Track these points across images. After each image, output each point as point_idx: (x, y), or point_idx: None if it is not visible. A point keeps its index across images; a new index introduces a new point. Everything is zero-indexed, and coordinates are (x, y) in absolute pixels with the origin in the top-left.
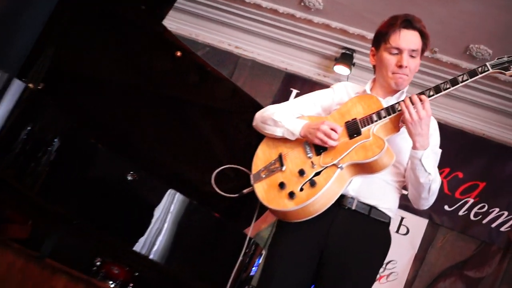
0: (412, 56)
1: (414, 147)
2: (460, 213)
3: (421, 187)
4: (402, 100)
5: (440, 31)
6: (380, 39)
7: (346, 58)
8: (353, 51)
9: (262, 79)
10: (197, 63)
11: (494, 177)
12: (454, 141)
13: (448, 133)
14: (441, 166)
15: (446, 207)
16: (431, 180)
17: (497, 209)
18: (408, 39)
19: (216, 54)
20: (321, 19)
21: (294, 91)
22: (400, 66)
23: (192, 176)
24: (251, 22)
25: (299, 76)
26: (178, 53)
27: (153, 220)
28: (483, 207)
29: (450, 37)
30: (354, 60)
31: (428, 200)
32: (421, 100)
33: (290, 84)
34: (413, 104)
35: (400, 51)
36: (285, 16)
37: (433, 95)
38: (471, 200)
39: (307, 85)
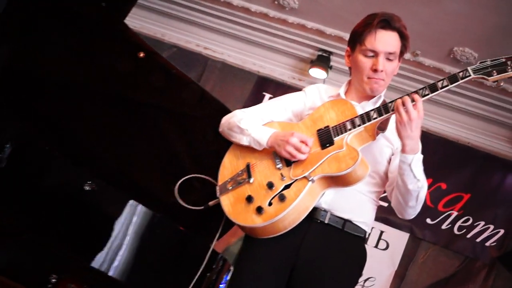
0: (389, 59)
1: (403, 151)
2: (443, 226)
3: (409, 195)
4: (377, 108)
5: (422, 33)
6: (356, 40)
7: (323, 60)
8: (330, 53)
9: (233, 82)
10: (161, 65)
11: (480, 188)
12: (437, 150)
13: (430, 141)
14: None
15: (428, 220)
16: (420, 187)
17: (482, 223)
18: (385, 40)
19: (183, 55)
20: (296, 19)
21: (267, 96)
22: (376, 70)
23: (155, 186)
24: (222, 22)
25: (272, 80)
26: (141, 54)
27: (113, 234)
28: (467, 220)
29: (433, 39)
30: (331, 63)
31: (415, 208)
32: (413, 100)
33: (263, 88)
34: (403, 104)
35: (376, 54)
36: (258, 15)
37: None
38: (455, 213)
39: (281, 89)
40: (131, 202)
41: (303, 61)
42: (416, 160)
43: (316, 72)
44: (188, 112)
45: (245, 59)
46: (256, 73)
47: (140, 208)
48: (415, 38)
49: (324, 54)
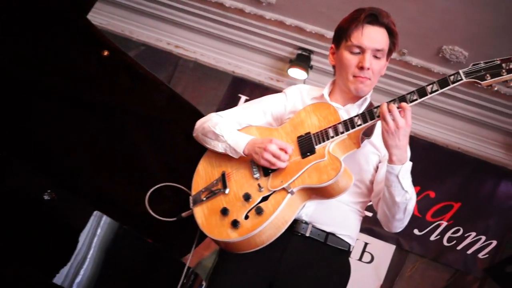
0: (376, 57)
1: (390, 161)
2: (432, 237)
3: (396, 207)
4: (363, 113)
5: (409, 30)
6: (341, 36)
7: (303, 60)
8: (311, 52)
9: (206, 83)
10: (128, 64)
11: (471, 197)
12: (425, 155)
13: (418, 146)
14: None
15: (416, 231)
16: (408, 199)
17: (473, 234)
18: (372, 36)
19: (152, 54)
20: (273, 15)
21: (243, 98)
22: (362, 68)
23: (122, 195)
24: (194, 18)
25: (249, 81)
26: (105, 52)
27: (76, 248)
28: (457, 231)
29: (420, 37)
30: (312, 63)
31: (403, 221)
32: (400, 107)
33: (238, 90)
34: (389, 111)
35: (362, 51)
36: (233, 11)
37: (398, 107)
38: (444, 223)
39: (258, 91)
40: (95, 212)
41: (281, 61)
42: (404, 170)
43: (296, 72)
44: (157, 115)
45: (219, 58)
46: (231, 73)
47: (106, 219)
48: (401, 36)
49: (304, 53)
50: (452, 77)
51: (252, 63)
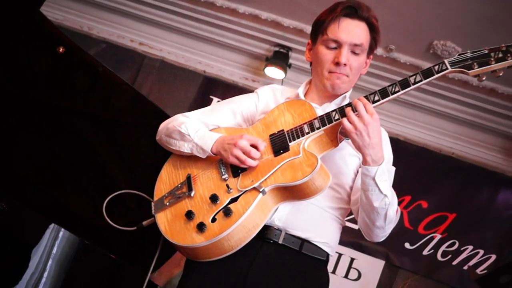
0: (354, 53)
1: (364, 162)
2: (425, 252)
3: (375, 213)
4: (341, 107)
5: (396, 24)
6: (317, 30)
7: (280, 58)
8: (289, 49)
9: (174, 84)
10: (85, 62)
11: (467, 206)
12: (416, 162)
13: (409, 152)
14: (400, 194)
15: (407, 245)
16: (388, 204)
17: (470, 247)
18: (350, 30)
19: (114, 52)
20: (248, 9)
21: (215, 100)
22: (338, 64)
23: (81, 206)
24: (161, 12)
25: (221, 81)
26: (61, 49)
27: (31, 265)
28: (453, 244)
29: (409, 32)
30: (290, 60)
31: (384, 229)
32: (362, 104)
33: (210, 91)
34: (354, 110)
35: (339, 45)
36: (203, 4)
37: (377, 100)
38: (438, 236)
39: (231, 92)
40: (51, 225)
41: (257, 59)
42: (381, 172)
43: (273, 72)
44: (119, 119)
45: (188, 56)
46: (201, 73)
47: (64, 233)
48: (388, 30)
49: (281, 50)
50: (436, 67)
51: (225, 62)
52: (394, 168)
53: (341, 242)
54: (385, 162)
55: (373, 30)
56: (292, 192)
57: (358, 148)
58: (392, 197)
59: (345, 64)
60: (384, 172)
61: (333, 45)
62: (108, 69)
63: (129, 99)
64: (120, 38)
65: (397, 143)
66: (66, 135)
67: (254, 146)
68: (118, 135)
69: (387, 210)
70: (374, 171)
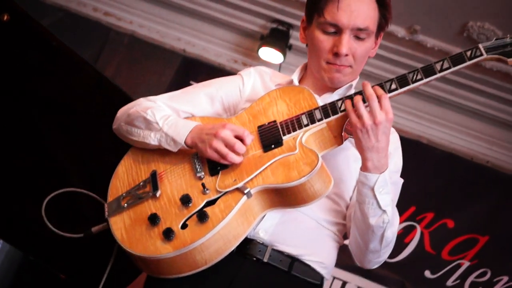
0: (358, 38)
1: (364, 168)
2: (449, 282)
3: (370, 232)
4: (348, 96)
5: (423, 1)
6: (313, 8)
7: (279, 37)
8: (290, 26)
9: (146, 65)
10: (36, 34)
11: (502, 228)
12: (441, 171)
13: (432, 158)
14: (420, 210)
15: (427, 273)
16: (386, 223)
17: (505, 278)
18: (352, 10)
19: (74, 23)
20: None
21: None
22: (337, 54)
23: (25, 212)
24: None
25: (205, 63)
26: (5, 17)
27: None
28: (484, 274)
29: (439, 10)
30: (291, 41)
31: (379, 254)
32: (377, 96)
33: (190, 75)
34: (364, 101)
35: (338, 30)
36: None
37: (395, 89)
38: (466, 263)
39: (217, 77)
40: None
41: (250, 37)
42: (382, 182)
43: (269, 54)
44: (76, 106)
45: (165, 31)
46: (181, 53)
47: (3, 245)
48: (411, 7)
49: (280, 28)
50: (469, 53)
51: (209, 40)
52: (401, 181)
53: (346, 267)
54: (390, 171)
55: (383, 5)
56: (284, 197)
57: (360, 148)
58: (393, 216)
59: (346, 55)
60: (387, 183)
61: (331, 29)
62: (64, 44)
63: (89, 82)
64: (81, 6)
65: (419, 147)
66: (9, 124)
67: (239, 138)
68: (74, 124)
69: (384, 230)
70: (374, 180)
